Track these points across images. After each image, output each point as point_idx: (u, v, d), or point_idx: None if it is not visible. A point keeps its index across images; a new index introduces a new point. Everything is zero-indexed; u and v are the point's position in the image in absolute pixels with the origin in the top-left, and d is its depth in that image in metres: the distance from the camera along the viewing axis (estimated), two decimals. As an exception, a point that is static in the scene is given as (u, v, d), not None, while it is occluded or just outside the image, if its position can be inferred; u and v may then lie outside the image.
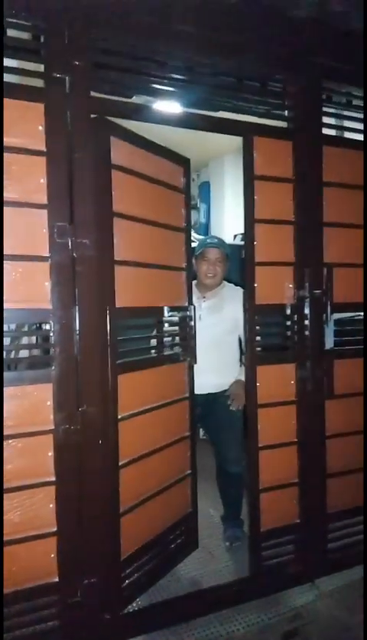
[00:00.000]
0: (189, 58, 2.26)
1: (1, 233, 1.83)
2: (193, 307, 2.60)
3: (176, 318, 2.52)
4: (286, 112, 2.51)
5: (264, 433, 2.42)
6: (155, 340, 2.51)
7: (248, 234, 2.38)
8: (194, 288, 2.85)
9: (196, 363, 2.59)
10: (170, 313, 2.44)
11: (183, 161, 2.61)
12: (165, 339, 2.52)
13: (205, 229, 6.27)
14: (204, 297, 2.89)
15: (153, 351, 2.50)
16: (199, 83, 2.34)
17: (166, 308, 2.43)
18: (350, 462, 2.63)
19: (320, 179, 2.52)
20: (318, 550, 2.56)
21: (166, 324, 2.50)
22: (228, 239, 4.85)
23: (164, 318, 2.45)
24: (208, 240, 2.95)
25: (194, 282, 2.88)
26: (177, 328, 2.55)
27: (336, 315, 2.56)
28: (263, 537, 2.44)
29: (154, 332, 2.52)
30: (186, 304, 2.60)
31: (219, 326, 2.80)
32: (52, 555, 1.95)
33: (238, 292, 2.81)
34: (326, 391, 2.54)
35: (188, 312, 2.57)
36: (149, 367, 2.37)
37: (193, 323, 2.56)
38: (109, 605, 2.09)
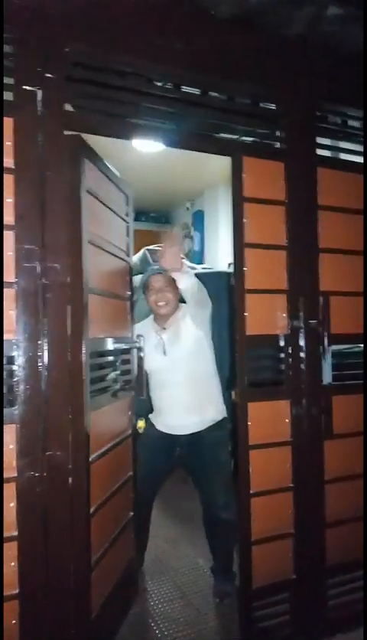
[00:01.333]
0: (176, 75, 2.14)
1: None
2: (141, 338, 2.46)
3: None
4: (278, 133, 2.37)
5: (255, 477, 2.19)
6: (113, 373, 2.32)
7: (238, 259, 2.21)
8: (153, 323, 2.71)
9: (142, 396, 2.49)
10: (116, 345, 2.25)
11: (126, 189, 2.59)
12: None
13: (199, 257, 6.14)
14: (164, 328, 2.68)
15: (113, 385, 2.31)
16: (186, 102, 2.20)
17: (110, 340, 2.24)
18: (351, 510, 2.39)
19: (314, 202, 2.37)
20: (317, 608, 2.30)
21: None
22: (223, 266, 4.70)
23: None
24: (149, 269, 2.78)
25: (151, 317, 2.74)
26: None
27: (334, 347, 2.37)
28: (255, 596, 2.18)
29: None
30: (130, 335, 2.54)
31: (185, 355, 2.57)
32: (13, 621, 1.71)
33: (187, 307, 2.58)
34: (325, 430, 2.33)
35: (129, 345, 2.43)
36: (112, 401, 2.25)
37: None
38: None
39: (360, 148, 2.53)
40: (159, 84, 2.12)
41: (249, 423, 2.19)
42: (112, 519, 2.21)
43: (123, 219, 2.55)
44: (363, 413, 2.39)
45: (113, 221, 2.41)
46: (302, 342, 2.29)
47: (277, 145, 2.38)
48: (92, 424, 1.95)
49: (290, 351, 2.28)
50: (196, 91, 2.19)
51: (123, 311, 2.53)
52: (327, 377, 2.32)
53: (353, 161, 2.52)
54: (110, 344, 2.20)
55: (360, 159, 2.51)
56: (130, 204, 2.65)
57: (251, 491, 2.17)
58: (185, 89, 2.17)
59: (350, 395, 2.40)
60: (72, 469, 1.81)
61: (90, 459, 1.92)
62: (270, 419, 2.25)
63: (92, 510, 1.93)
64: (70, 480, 1.81)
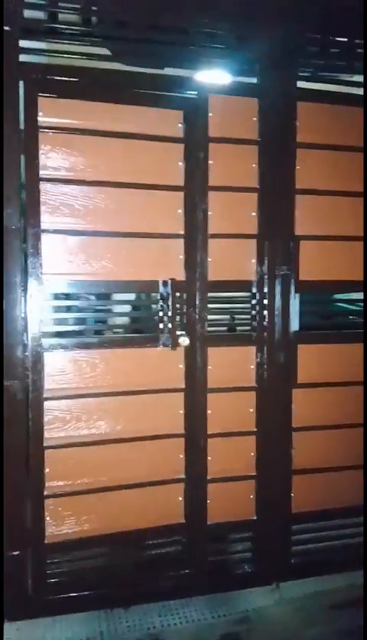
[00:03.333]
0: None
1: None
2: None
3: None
4: (251, 66, 2.23)
5: (214, 420, 2.23)
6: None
7: (200, 204, 2.18)
8: None
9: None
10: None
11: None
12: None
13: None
14: None
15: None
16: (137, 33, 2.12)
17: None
18: (320, 460, 2.36)
19: (292, 139, 2.24)
20: (279, 551, 2.33)
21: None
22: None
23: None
24: None
25: None
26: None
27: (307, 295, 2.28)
28: (210, 530, 2.27)
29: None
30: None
31: None
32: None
33: None
34: (291, 378, 2.29)
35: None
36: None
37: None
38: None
39: (346, 76, 2.31)
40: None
41: (209, 367, 2.22)
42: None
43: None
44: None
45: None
46: (270, 288, 2.24)
47: (251, 80, 2.24)
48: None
49: (257, 298, 2.24)
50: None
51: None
52: (294, 324, 2.25)
53: (338, 92, 2.31)
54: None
55: (346, 89, 2.30)
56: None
57: (208, 432, 2.23)
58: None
59: (319, 345, 2.32)
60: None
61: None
62: (232, 364, 2.26)
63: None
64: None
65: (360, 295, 2.44)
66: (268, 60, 2.20)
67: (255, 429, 2.28)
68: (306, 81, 2.30)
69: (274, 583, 2.32)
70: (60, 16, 2.01)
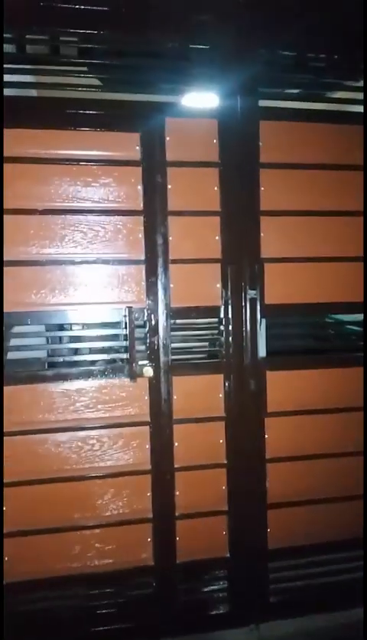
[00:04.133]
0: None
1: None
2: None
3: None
4: (210, 87, 2.17)
5: (181, 452, 2.13)
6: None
7: (160, 228, 2.11)
8: None
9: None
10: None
11: None
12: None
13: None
14: None
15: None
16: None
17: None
18: (298, 492, 2.24)
19: (256, 160, 2.17)
20: (256, 590, 2.21)
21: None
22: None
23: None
24: None
25: None
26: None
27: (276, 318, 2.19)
28: (180, 569, 2.15)
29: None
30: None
31: None
32: None
33: None
34: (262, 407, 2.19)
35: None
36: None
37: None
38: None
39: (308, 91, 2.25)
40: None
41: (175, 397, 2.13)
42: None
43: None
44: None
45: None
46: (234, 314, 2.15)
47: (210, 100, 2.18)
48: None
49: (223, 323, 2.16)
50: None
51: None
52: (261, 350, 2.16)
53: (303, 109, 2.24)
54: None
55: (309, 105, 2.24)
56: None
57: (175, 466, 2.13)
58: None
59: (290, 370, 2.22)
60: None
61: None
62: (200, 393, 2.16)
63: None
64: None
65: (332, 318, 2.34)
66: (228, 79, 2.13)
67: (226, 462, 2.18)
68: (269, 99, 2.23)
69: (253, 624, 2.20)
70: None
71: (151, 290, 2.10)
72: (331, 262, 2.25)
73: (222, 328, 2.16)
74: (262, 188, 2.18)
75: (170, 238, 2.11)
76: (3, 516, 1.81)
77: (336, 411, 2.27)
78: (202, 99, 2.16)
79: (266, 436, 2.21)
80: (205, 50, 2.12)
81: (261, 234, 2.18)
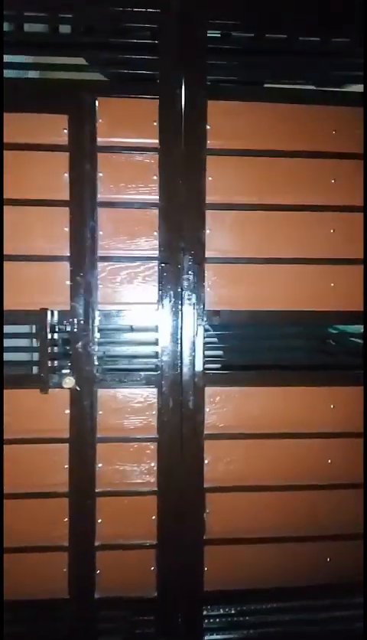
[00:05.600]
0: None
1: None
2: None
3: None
4: (151, 63, 1.91)
5: (105, 475, 1.89)
6: None
7: (88, 221, 1.87)
8: None
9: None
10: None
11: None
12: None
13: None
14: None
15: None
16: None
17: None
18: (242, 528, 1.95)
19: (202, 145, 1.90)
20: (186, 636, 1.93)
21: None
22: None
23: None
24: None
25: None
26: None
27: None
28: (99, 605, 1.90)
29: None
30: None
31: None
32: None
33: None
34: (199, 427, 1.91)
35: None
36: None
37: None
38: None
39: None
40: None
41: (100, 413, 1.89)
42: None
43: None
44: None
45: None
46: (170, 320, 1.89)
47: (151, 77, 1.92)
48: None
49: (157, 330, 1.90)
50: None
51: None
52: (198, 363, 1.88)
53: (257, 87, 1.96)
54: None
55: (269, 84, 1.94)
56: None
57: (96, 490, 1.88)
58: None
59: (235, 387, 1.93)
60: None
61: None
62: (129, 409, 1.90)
63: None
64: None
65: (292, 329, 2.03)
66: (172, 53, 1.88)
67: (157, 488, 1.91)
68: (220, 77, 1.96)
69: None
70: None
71: (76, 291, 1.87)
72: (289, 265, 1.95)
73: (157, 335, 1.90)
74: (209, 178, 1.91)
75: (100, 232, 1.88)
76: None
77: (292, 436, 1.96)
78: (141, 76, 1.91)
79: (205, 461, 1.93)
80: (144, 19, 1.87)
81: (207, 230, 1.91)
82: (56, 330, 1.91)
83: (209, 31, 1.89)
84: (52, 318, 1.86)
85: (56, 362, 1.89)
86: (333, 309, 1.97)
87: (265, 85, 1.98)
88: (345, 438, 1.97)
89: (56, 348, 1.92)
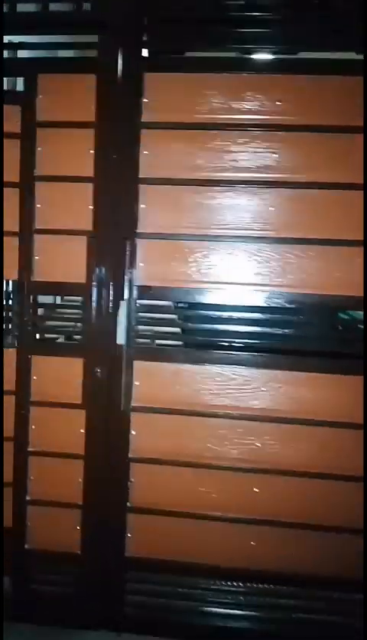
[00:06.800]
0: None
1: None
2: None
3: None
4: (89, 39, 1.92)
5: (37, 437, 2.01)
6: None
7: (27, 195, 1.96)
8: None
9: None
10: None
11: None
12: None
13: None
14: None
15: None
16: None
17: None
18: (167, 500, 1.97)
19: (136, 119, 1.89)
20: (110, 596, 2.02)
21: None
22: None
23: None
24: None
25: None
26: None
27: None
28: (30, 555, 2.05)
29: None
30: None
31: None
32: None
33: None
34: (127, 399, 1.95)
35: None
36: None
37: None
38: None
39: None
40: None
41: (34, 378, 2.00)
42: None
43: None
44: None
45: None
46: (98, 293, 1.94)
47: (89, 53, 1.94)
48: None
49: (90, 303, 1.96)
50: None
51: None
52: (121, 336, 1.91)
53: (195, 57, 1.89)
54: None
55: (208, 53, 1.87)
56: None
57: (29, 449, 2.02)
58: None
59: (157, 362, 1.94)
60: None
61: None
62: (59, 377, 2.00)
63: None
64: None
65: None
66: (108, 27, 1.88)
67: (84, 453, 2.00)
68: (159, 49, 1.92)
69: (106, 630, 2.03)
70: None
71: (21, 263, 1.98)
72: (221, 242, 1.90)
73: (87, 307, 1.96)
74: (145, 152, 1.91)
75: (38, 206, 1.96)
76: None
77: (213, 416, 1.94)
78: (80, 52, 1.94)
79: (132, 432, 1.98)
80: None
81: (140, 205, 1.92)
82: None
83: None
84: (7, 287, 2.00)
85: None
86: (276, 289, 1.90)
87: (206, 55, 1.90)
88: (270, 420, 1.91)
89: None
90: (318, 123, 1.82)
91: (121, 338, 1.92)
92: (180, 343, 2.11)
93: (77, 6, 1.91)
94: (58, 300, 2.36)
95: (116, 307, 1.93)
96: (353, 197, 1.82)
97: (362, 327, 2.34)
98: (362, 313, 2.33)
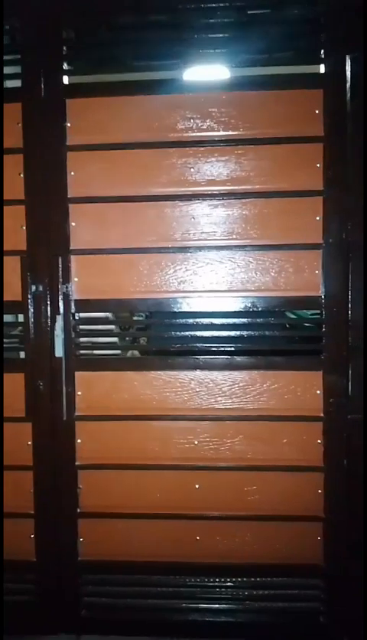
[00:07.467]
0: None
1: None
2: None
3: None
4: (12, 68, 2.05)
5: (-14, 451, 2.09)
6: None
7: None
8: None
9: None
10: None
11: None
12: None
13: None
14: None
15: None
16: None
17: None
18: (113, 504, 2.06)
19: (62, 143, 2.00)
20: (66, 601, 2.09)
21: None
22: None
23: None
24: None
25: None
26: None
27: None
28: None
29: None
30: None
31: None
32: None
33: None
34: (67, 410, 2.04)
35: None
36: None
37: None
38: None
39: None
40: None
41: (-19, 394, 2.08)
42: None
43: None
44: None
45: None
46: (36, 309, 2.03)
47: (14, 82, 2.05)
48: None
49: (28, 319, 2.05)
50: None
51: None
52: (58, 349, 2.00)
53: (116, 82, 2.01)
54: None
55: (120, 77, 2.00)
56: None
57: (-20, 463, 2.09)
58: None
59: (96, 371, 2.04)
60: None
61: None
62: (4, 393, 2.08)
63: None
64: None
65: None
66: (29, 56, 1.99)
67: (32, 464, 2.08)
68: (77, 74, 2.04)
69: (75, 635, 2.10)
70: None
71: None
72: (146, 254, 2.01)
73: (25, 324, 2.05)
74: (72, 173, 2.02)
75: (-27, 230, 2.06)
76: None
77: (148, 418, 2.05)
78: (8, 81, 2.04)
79: (78, 440, 2.07)
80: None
81: (71, 223, 2.02)
82: None
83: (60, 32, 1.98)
84: None
85: None
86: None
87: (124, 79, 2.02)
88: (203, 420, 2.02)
89: None
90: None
91: (59, 351, 2.01)
92: (119, 352, 2.21)
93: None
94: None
95: (54, 321, 2.02)
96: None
97: (310, 325, 2.48)
98: (308, 312, 2.49)
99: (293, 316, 2.67)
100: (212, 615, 2.06)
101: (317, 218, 1.91)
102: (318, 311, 2.00)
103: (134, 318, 2.64)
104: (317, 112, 1.86)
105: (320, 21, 1.85)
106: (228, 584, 2.06)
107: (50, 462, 2.07)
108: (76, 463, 2.07)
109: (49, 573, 2.10)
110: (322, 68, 1.85)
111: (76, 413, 2.06)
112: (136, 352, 2.52)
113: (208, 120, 1.95)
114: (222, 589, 2.07)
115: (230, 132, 1.95)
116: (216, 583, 2.06)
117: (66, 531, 2.08)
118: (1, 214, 2.00)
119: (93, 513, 2.08)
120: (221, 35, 1.96)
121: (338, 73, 1.84)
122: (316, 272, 1.95)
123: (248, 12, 1.88)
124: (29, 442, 2.08)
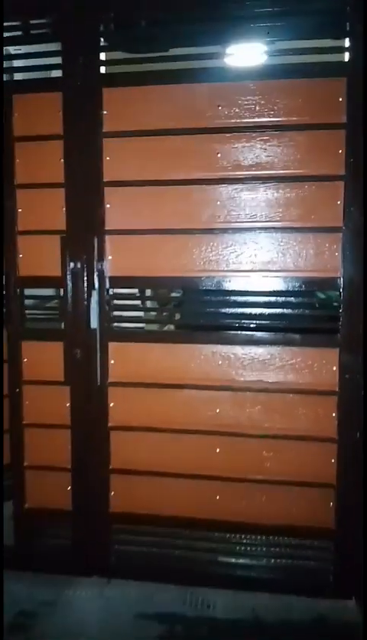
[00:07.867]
0: None
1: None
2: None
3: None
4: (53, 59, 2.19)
5: (29, 411, 2.33)
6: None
7: (9, 201, 2.25)
8: None
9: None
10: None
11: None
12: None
13: None
14: None
15: None
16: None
17: None
18: (143, 463, 2.27)
19: (98, 130, 2.15)
20: (99, 547, 2.33)
21: None
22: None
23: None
24: None
25: None
26: None
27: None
28: (28, 513, 2.38)
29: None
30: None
31: None
32: None
33: None
34: (101, 376, 2.24)
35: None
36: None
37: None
38: None
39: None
40: None
41: (25, 360, 2.31)
42: None
43: None
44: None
45: None
46: (73, 284, 2.22)
47: (56, 73, 2.20)
48: None
49: (67, 294, 2.24)
50: None
51: None
52: (94, 321, 2.19)
53: (146, 71, 2.12)
54: None
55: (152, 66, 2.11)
56: None
57: (24, 422, 2.33)
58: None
59: (128, 342, 2.22)
60: None
61: None
62: (45, 359, 2.30)
63: None
64: None
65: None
66: (69, 48, 2.13)
67: (70, 423, 2.30)
68: (115, 65, 2.17)
69: (97, 576, 2.35)
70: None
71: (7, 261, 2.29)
72: (178, 235, 2.15)
73: (64, 297, 2.25)
74: (107, 158, 2.16)
75: (19, 210, 2.25)
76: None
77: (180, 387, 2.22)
78: (48, 73, 2.20)
79: (110, 404, 2.27)
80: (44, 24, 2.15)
81: (106, 205, 2.18)
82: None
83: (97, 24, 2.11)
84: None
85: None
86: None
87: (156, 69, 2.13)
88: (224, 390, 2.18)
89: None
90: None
91: (94, 323, 2.20)
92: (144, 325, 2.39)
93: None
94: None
95: (90, 296, 2.21)
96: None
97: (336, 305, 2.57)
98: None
99: (322, 296, 2.76)
100: (231, 568, 2.26)
101: (338, 202, 1.99)
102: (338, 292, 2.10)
103: (172, 295, 2.80)
104: (340, 100, 1.92)
105: (346, 10, 1.89)
106: (245, 541, 2.25)
107: (86, 423, 2.29)
108: (109, 425, 2.28)
109: (83, 521, 2.34)
110: (346, 57, 1.90)
111: (109, 380, 2.25)
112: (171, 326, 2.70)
113: (235, 108, 2.05)
114: (240, 546, 2.26)
115: (256, 119, 2.04)
116: (234, 540, 2.25)
117: (99, 485, 2.31)
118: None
119: (123, 470, 2.29)
120: (252, 25, 2.03)
121: (361, 62, 1.89)
122: (336, 254, 2.04)
123: (279, 3, 1.94)
124: (67, 404, 2.30)
